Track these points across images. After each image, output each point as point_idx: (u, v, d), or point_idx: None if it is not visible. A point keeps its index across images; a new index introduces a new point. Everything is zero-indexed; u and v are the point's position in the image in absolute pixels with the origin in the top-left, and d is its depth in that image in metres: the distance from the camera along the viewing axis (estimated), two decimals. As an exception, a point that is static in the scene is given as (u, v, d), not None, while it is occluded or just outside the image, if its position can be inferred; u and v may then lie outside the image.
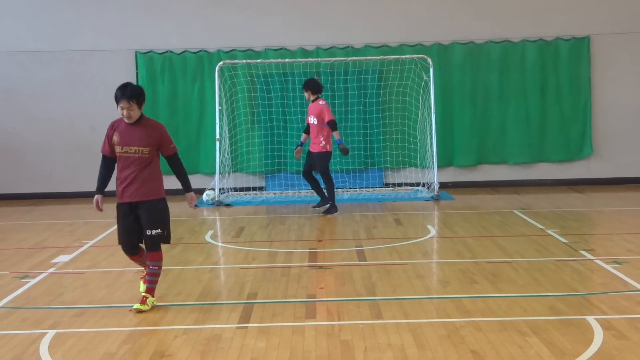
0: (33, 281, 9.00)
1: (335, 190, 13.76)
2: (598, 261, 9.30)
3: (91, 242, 11.40)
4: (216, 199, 14.90)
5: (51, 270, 9.62)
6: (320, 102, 13.38)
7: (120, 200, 7.83)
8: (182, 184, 8.38)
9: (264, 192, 16.30)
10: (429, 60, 15.61)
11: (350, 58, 16.17)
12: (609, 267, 8.95)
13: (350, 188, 16.35)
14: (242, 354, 6.28)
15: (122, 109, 7.83)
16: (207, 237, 11.67)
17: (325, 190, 13.67)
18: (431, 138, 15.55)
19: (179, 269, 9.46)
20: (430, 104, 15.57)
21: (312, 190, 14.32)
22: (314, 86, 13.46)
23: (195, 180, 16.55)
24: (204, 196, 15.21)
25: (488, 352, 6.16)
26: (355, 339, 6.56)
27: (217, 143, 15.31)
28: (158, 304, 7.83)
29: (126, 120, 7.84)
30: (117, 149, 7.91)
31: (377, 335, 6.65)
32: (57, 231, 12.61)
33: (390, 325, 6.92)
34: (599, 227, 12.47)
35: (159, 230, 7.70)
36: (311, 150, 13.49)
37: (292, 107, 16.43)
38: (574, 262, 9.30)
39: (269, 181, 16.63)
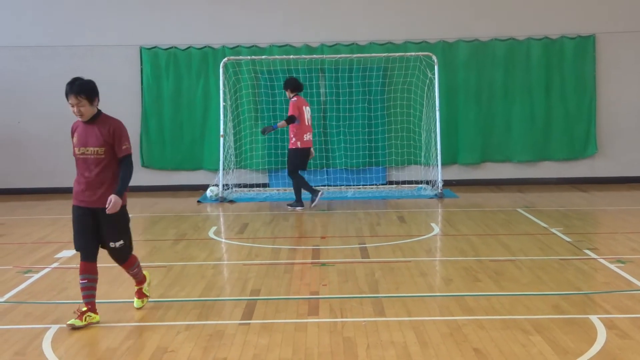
0: (36, 276, 9.01)
1: (302, 188, 13.89)
2: (602, 260, 9.29)
3: (94, 238, 11.38)
4: (220, 195, 14.90)
5: (54, 265, 9.63)
6: (293, 98, 13.64)
7: (75, 204, 7.41)
8: (117, 186, 7.46)
9: (268, 188, 16.31)
10: (434, 57, 15.59)
11: (354, 55, 16.17)
12: (612, 266, 8.94)
13: (353, 185, 16.34)
14: (244, 350, 6.27)
15: (72, 105, 7.51)
16: (211, 233, 11.67)
17: (308, 186, 13.93)
18: (435, 136, 15.54)
19: (182, 265, 9.46)
20: (434, 101, 15.55)
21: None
22: (291, 85, 13.79)
23: (199, 177, 16.76)
24: (208, 192, 15.22)
25: (491, 351, 6.15)
26: (358, 336, 6.56)
27: (221, 139, 15.31)
28: (161, 300, 7.83)
29: (78, 118, 7.50)
30: (76, 150, 7.43)
31: (380, 332, 6.64)
32: (60, 226, 12.62)
33: (393, 322, 6.92)
34: (603, 226, 12.45)
35: (121, 242, 7.40)
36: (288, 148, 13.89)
37: (297, 103, 16.42)
38: (577, 261, 9.28)
39: (272, 178, 16.63)
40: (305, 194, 13.93)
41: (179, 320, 7.16)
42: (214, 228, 12.22)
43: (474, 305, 7.41)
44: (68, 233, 12.01)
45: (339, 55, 16.18)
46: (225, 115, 15.53)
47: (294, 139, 13.70)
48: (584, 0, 16.67)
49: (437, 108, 15.47)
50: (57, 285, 8.64)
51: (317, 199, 13.82)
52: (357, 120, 16.54)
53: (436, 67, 15.53)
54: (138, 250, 10.71)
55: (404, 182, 16.45)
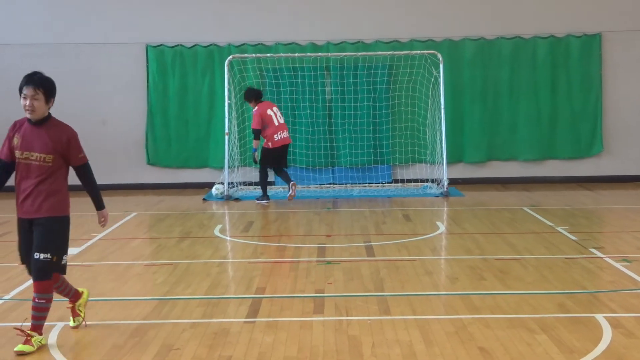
0: (42, 273, 9.00)
1: (268, 185, 14.80)
2: (607, 259, 9.27)
3: (100, 235, 11.42)
4: (225, 193, 14.90)
5: (60, 262, 9.61)
6: (255, 108, 14.25)
7: (19, 215, 6.72)
8: (93, 200, 7.27)
9: (273, 186, 16.30)
10: (439, 56, 15.58)
11: (360, 53, 16.16)
12: (618, 265, 8.92)
13: (359, 184, 16.34)
14: (249, 349, 6.28)
15: (26, 97, 6.80)
16: (216, 231, 11.67)
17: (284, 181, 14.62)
18: (441, 134, 15.52)
19: (187, 263, 9.47)
20: (440, 99, 15.53)
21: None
22: (253, 95, 14.40)
23: (204, 174, 16.76)
24: (213, 190, 15.20)
25: (496, 349, 6.14)
26: (363, 334, 6.55)
27: (226, 137, 15.32)
28: (166, 297, 7.84)
29: (28, 115, 6.78)
30: (17, 153, 6.58)
31: (385, 331, 6.64)
32: (66, 224, 12.62)
33: (398, 321, 6.91)
34: (608, 225, 12.43)
35: (48, 256, 6.44)
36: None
37: (302, 101, 16.44)
38: (583, 260, 9.27)
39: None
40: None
41: (184, 318, 7.17)
42: (219, 226, 12.22)
43: (479, 304, 7.41)
44: (73, 230, 11.96)
45: (344, 54, 16.17)
46: (230, 113, 15.54)
47: (265, 140, 14.32)
48: (590, -2, 16.67)
49: (442, 106, 15.45)
50: (62, 282, 8.63)
51: (261, 202, 14.37)
52: (362, 118, 16.53)
53: (442, 66, 15.51)
54: (144, 248, 10.78)
55: (409, 181, 16.44)
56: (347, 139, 16.54)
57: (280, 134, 14.32)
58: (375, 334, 6.57)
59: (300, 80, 16.41)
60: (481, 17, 16.63)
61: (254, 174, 16.42)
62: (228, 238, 11.34)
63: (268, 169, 14.55)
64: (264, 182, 14.60)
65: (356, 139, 16.52)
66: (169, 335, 6.66)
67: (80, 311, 6.88)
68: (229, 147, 15.32)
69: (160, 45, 16.67)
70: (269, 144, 14.30)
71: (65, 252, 6.64)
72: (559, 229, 11.25)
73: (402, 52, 16.06)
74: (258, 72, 16.47)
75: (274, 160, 14.43)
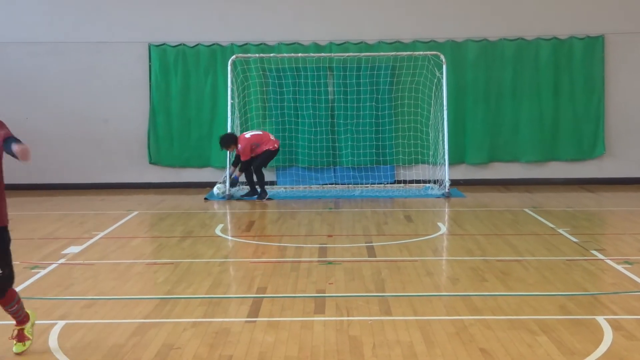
0: (43, 272, 9.03)
1: (261, 183, 15.18)
2: (609, 261, 9.27)
3: (102, 234, 11.43)
4: (226, 193, 14.91)
5: (61, 261, 9.64)
6: (238, 147, 14.76)
7: None
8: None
9: (275, 186, 16.31)
10: (442, 57, 15.57)
11: (363, 54, 16.16)
12: (619, 267, 8.92)
13: (361, 184, 16.34)
14: (250, 348, 6.28)
15: None
16: (217, 231, 11.68)
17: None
18: (443, 135, 15.52)
19: (189, 262, 9.47)
20: (442, 100, 15.53)
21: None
22: (229, 141, 14.83)
23: (206, 174, 16.77)
24: (215, 189, 15.22)
25: (497, 351, 6.14)
26: (364, 335, 6.56)
27: (229, 137, 15.32)
28: (168, 297, 7.85)
29: None
30: None
31: (386, 331, 6.64)
32: (68, 222, 12.65)
33: (399, 321, 6.91)
34: (610, 227, 12.42)
35: (0, 271, 6.08)
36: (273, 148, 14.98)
37: (304, 101, 16.44)
38: (584, 262, 9.26)
39: (279, 176, 16.62)
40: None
41: (185, 317, 7.17)
42: (220, 225, 12.22)
43: (480, 305, 7.41)
44: (75, 229, 12.09)
45: (347, 54, 16.18)
46: (232, 113, 15.55)
47: (265, 147, 14.90)
48: (593, 0, 16.63)
49: (445, 107, 15.45)
50: (64, 281, 8.65)
51: (262, 200, 14.80)
52: (365, 119, 16.52)
53: (444, 67, 15.51)
54: (146, 247, 10.78)
55: (411, 181, 16.43)
56: (349, 139, 16.53)
57: (272, 136, 15.20)
58: (376, 334, 6.57)
59: (303, 80, 16.41)
60: (484, 18, 16.62)
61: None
62: (229, 237, 11.34)
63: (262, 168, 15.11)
64: (262, 181, 14.97)
65: (358, 139, 16.52)
66: (169, 334, 6.66)
67: (30, 334, 6.31)
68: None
69: (163, 44, 16.67)
70: (273, 146, 15.00)
71: (11, 262, 6.25)
72: (561, 230, 11.25)
73: (404, 53, 16.06)
74: (261, 72, 16.47)
75: (269, 161, 15.19)
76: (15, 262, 9.45)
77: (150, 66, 16.71)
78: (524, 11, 16.61)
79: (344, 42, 16.66)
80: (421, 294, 7.89)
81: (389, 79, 16.46)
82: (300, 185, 16.37)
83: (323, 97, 16.50)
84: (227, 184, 15.00)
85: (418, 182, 16.35)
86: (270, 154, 14.96)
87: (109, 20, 16.69)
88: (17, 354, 6.21)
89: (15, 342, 6.24)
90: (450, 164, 15.55)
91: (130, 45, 16.71)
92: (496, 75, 16.62)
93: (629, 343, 6.30)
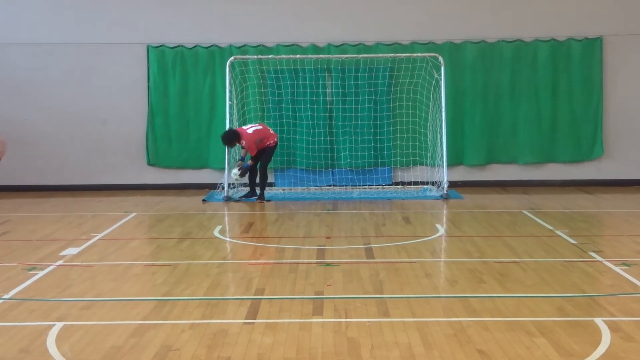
0: (41, 273, 9.02)
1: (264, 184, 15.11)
2: (607, 263, 9.27)
3: (100, 235, 11.43)
4: (237, 178, 14.84)
5: (59, 262, 9.64)
6: (243, 143, 14.59)
7: None
8: None
9: (273, 188, 16.31)
10: (441, 58, 15.59)
11: (361, 55, 16.17)
12: (617, 269, 8.93)
13: (359, 186, 16.34)
14: (248, 350, 6.28)
15: None
16: (216, 232, 11.68)
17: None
18: (441, 137, 15.53)
19: (187, 264, 9.47)
20: (441, 102, 15.54)
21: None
22: (232, 137, 14.68)
23: (204, 175, 16.77)
24: (232, 175, 14.84)
25: (495, 352, 6.15)
26: (362, 336, 6.56)
27: (227, 138, 15.32)
28: (165, 298, 7.84)
29: None
30: None
31: (384, 333, 6.64)
32: (66, 224, 12.65)
33: (397, 323, 6.92)
34: (608, 229, 12.43)
35: None
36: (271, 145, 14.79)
37: (303, 103, 16.44)
38: (582, 263, 9.27)
39: (277, 177, 16.62)
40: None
41: (183, 318, 7.17)
42: (219, 227, 12.22)
43: (478, 307, 7.41)
44: (73, 230, 12.09)
45: (345, 56, 16.19)
46: (231, 115, 15.55)
47: (267, 141, 14.78)
48: (592, 2, 16.65)
49: (443, 109, 15.46)
50: (61, 282, 8.64)
51: (262, 201, 14.70)
52: (363, 120, 16.53)
53: (443, 68, 15.52)
54: (144, 249, 10.79)
55: (409, 183, 16.44)
56: (347, 140, 16.53)
57: (271, 130, 15.11)
58: (374, 336, 6.57)
59: (302, 81, 16.42)
60: (482, 20, 16.63)
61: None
62: (228, 239, 11.34)
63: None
64: (265, 183, 14.93)
65: (356, 141, 16.52)
66: (168, 335, 6.66)
67: None
68: (229, 149, 15.32)
69: (161, 45, 16.67)
70: (274, 141, 14.88)
71: None
72: (559, 232, 11.26)
73: (403, 55, 16.07)
74: (259, 74, 16.47)
75: (271, 157, 15.08)
76: (13, 264, 9.52)
77: (148, 67, 16.70)
78: (522, 13, 16.62)
79: (342, 44, 16.66)
80: (419, 296, 7.89)
81: (387, 80, 16.46)
82: (299, 187, 16.37)
83: (321, 98, 16.50)
84: (231, 174, 14.84)
85: (416, 183, 16.35)
86: (271, 151, 14.85)
87: (108, 22, 16.68)
88: None
89: None
90: (448, 165, 15.56)
91: (128, 47, 16.71)
92: (494, 77, 16.63)
93: (626, 345, 6.30)
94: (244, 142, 14.54)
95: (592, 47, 16.55)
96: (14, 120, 16.68)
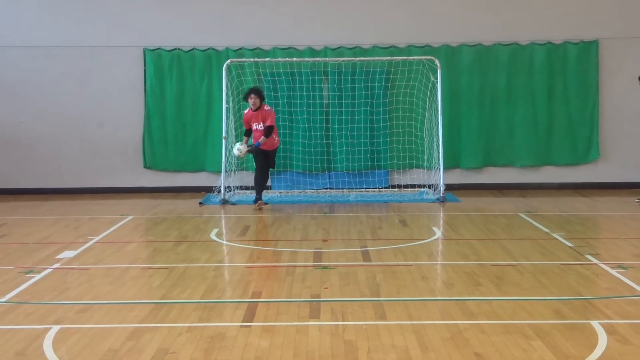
0: (38, 276, 9.02)
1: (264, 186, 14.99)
2: (603, 266, 9.29)
3: (96, 238, 11.42)
4: (244, 152, 14.47)
5: (56, 265, 9.63)
6: (266, 107, 14.35)
7: None
8: None
9: (270, 191, 16.30)
10: (437, 61, 15.60)
11: (358, 58, 16.18)
12: (614, 272, 8.94)
13: (355, 189, 16.35)
14: (245, 353, 6.28)
15: None
16: (212, 235, 11.68)
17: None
18: (437, 139, 15.54)
19: (184, 267, 9.47)
20: (437, 105, 15.56)
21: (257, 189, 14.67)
22: (262, 95, 14.50)
23: (201, 178, 16.79)
24: (235, 150, 14.54)
25: (492, 355, 6.15)
26: (359, 339, 6.56)
27: (224, 141, 15.33)
28: (162, 301, 7.84)
29: None
30: None
31: (381, 336, 6.65)
32: (63, 227, 12.64)
33: (394, 326, 6.92)
34: (604, 232, 12.45)
35: None
36: (267, 148, 14.41)
37: (299, 106, 16.45)
38: (579, 266, 9.28)
39: (274, 180, 16.61)
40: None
41: (180, 321, 7.17)
42: (215, 230, 12.22)
43: (475, 310, 7.41)
44: (70, 233, 12.08)
45: (342, 59, 16.20)
46: (227, 117, 15.55)
47: (277, 139, 14.69)
48: (588, 5, 16.68)
49: (439, 112, 15.48)
50: (58, 285, 8.64)
51: (260, 206, 14.41)
52: (359, 123, 16.53)
53: (439, 71, 15.54)
54: (141, 252, 10.78)
55: (406, 186, 16.44)
56: (344, 143, 16.54)
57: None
58: (371, 338, 6.58)
59: (298, 84, 16.42)
60: (479, 23, 16.65)
61: (250, 178, 16.43)
62: (224, 242, 11.34)
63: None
64: (264, 185, 14.92)
65: (353, 144, 16.53)
66: (164, 339, 6.66)
67: None
68: (226, 151, 15.33)
69: (158, 48, 16.67)
70: (278, 139, 14.83)
71: None
72: (555, 235, 11.27)
73: (399, 58, 16.09)
74: (256, 77, 16.47)
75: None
76: (10, 267, 9.51)
77: (145, 70, 16.70)
78: (519, 16, 16.65)
79: (339, 47, 16.67)
80: (416, 299, 7.89)
81: (383, 83, 16.48)
82: (295, 190, 16.37)
83: (318, 101, 16.51)
84: (234, 149, 14.63)
85: (413, 186, 16.36)
86: (275, 151, 14.77)
87: (105, 25, 16.68)
88: None
89: None
90: (444, 168, 15.57)
91: (125, 50, 16.70)
92: (491, 80, 16.65)
93: (623, 347, 6.31)
94: (271, 119, 14.29)
95: (588, 51, 16.58)
96: (11, 123, 16.67)
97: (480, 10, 16.68)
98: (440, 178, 15.36)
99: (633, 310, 7.41)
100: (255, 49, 16.65)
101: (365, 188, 16.41)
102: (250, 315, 7.31)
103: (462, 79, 16.63)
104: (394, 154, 16.53)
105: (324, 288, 8.33)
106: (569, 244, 10.57)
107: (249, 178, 16.39)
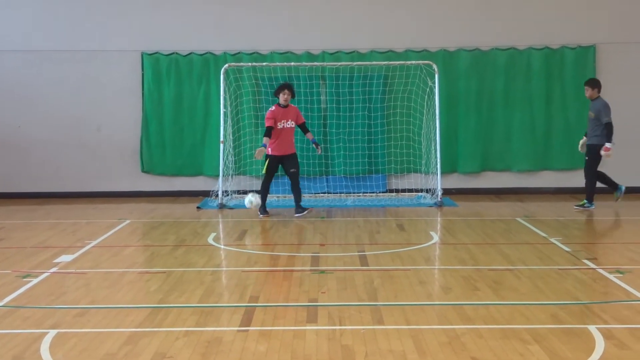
0: (35, 280, 9.01)
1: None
2: (601, 270, 9.29)
3: (94, 242, 11.41)
4: (252, 201, 13.65)
5: (53, 269, 9.62)
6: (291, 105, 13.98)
7: None
8: None
9: (268, 195, 16.26)
10: (435, 66, 15.61)
11: (355, 63, 16.19)
12: (611, 277, 8.94)
13: (353, 193, 16.35)
14: (243, 357, 6.28)
15: None
16: (210, 240, 11.67)
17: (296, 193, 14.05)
18: (435, 144, 15.55)
19: (181, 271, 9.46)
20: (435, 110, 15.57)
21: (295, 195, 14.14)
22: (294, 89, 14.06)
23: (198, 182, 16.78)
24: (247, 203, 13.69)
25: (489, 360, 6.16)
26: (357, 344, 6.56)
27: (221, 145, 15.33)
28: (160, 305, 7.84)
29: None
30: None
31: (379, 340, 6.65)
32: (60, 231, 12.63)
33: (391, 330, 6.92)
34: (602, 236, 12.45)
35: None
36: (291, 152, 13.92)
37: (297, 110, 16.44)
38: (576, 271, 9.28)
39: (272, 184, 16.55)
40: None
41: (177, 326, 7.16)
42: (213, 234, 12.22)
43: (472, 314, 7.41)
44: (67, 237, 12.07)
45: (340, 63, 16.21)
46: (225, 122, 15.55)
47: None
48: (585, 10, 16.70)
49: (437, 116, 15.48)
50: (55, 289, 8.63)
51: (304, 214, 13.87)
52: (357, 127, 16.54)
53: (437, 76, 15.55)
54: (138, 256, 10.77)
55: (403, 190, 16.45)
56: (341, 148, 16.55)
57: None
58: (369, 343, 6.58)
59: (296, 89, 16.41)
60: (476, 28, 16.67)
61: (248, 183, 16.45)
62: (222, 246, 11.34)
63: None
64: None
65: (351, 148, 16.54)
66: (162, 343, 6.66)
67: None
68: (223, 156, 15.33)
69: (156, 53, 16.67)
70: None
71: None
72: (553, 239, 11.27)
73: (397, 62, 16.10)
74: (254, 81, 16.48)
75: None
76: (7, 271, 9.50)
77: (143, 74, 16.71)
78: (516, 21, 16.66)
79: (337, 51, 16.69)
80: (413, 303, 7.89)
81: (381, 88, 16.49)
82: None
83: (315, 106, 16.51)
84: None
85: (410, 191, 16.37)
86: (290, 158, 14.10)
87: (102, 29, 16.68)
88: None
89: None
90: (442, 173, 15.58)
91: (123, 54, 16.71)
92: (488, 85, 16.67)
93: (620, 352, 6.31)
94: (299, 118, 13.95)
95: (586, 55, 16.61)
96: (8, 127, 16.67)
97: (477, 15, 16.70)
98: (438, 182, 15.37)
99: (630, 314, 7.41)
100: (253, 53, 16.66)
101: (363, 192, 16.41)
102: (247, 320, 7.30)
103: (460, 83, 16.64)
104: (392, 158, 16.54)
105: (322, 292, 8.33)
106: (567, 249, 10.57)
107: (246, 183, 16.40)
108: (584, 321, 7.22)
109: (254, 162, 16.52)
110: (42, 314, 7.59)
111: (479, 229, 12.41)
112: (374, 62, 16.21)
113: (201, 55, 16.66)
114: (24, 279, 9.06)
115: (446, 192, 15.77)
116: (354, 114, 16.53)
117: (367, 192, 16.43)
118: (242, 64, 16.21)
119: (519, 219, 13.28)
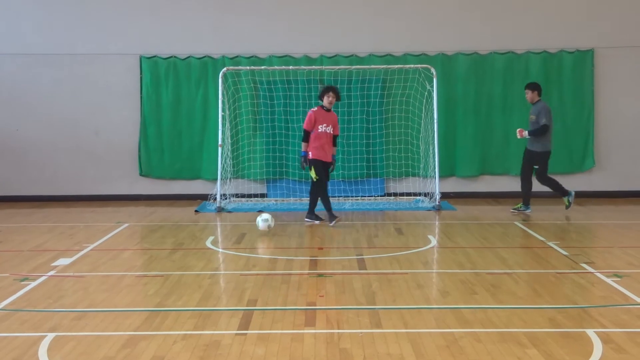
0: (33, 284, 9.01)
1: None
2: (598, 274, 9.30)
3: (92, 246, 11.41)
4: (271, 225, 12.55)
5: (51, 273, 9.62)
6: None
7: None
8: None
9: (266, 198, 16.31)
10: (433, 70, 15.63)
11: (354, 67, 16.21)
12: (609, 280, 8.95)
13: (351, 197, 16.35)
14: (241, 361, 6.28)
15: None
16: (208, 243, 11.67)
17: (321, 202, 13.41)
18: (433, 148, 15.57)
19: (179, 274, 9.46)
20: (433, 113, 15.58)
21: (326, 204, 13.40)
22: (339, 93, 13.42)
23: (197, 186, 16.78)
24: (261, 223, 12.49)
25: (487, 363, 6.16)
26: (354, 347, 6.56)
27: (220, 149, 15.34)
28: (158, 309, 7.83)
29: None
30: None
31: (377, 344, 6.65)
32: (58, 234, 12.62)
33: (389, 334, 6.92)
34: (600, 240, 12.46)
35: None
36: (328, 160, 13.35)
37: (295, 114, 16.46)
38: (574, 275, 9.29)
39: (270, 188, 16.63)
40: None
41: (175, 329, 7.16)
42: (211, 238, 12.21)
43: (470, 318, 7.42)
44: (65, 241, 12.06)
45: (338, 67, 16.22)
46: (224, 125, 15.56)
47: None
48: (583, 14, 16.73)
49: (435, 120, 15.50)
50: (53, 293, 8.63)
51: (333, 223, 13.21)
52: (355, 131, 16.56)
53: (435, 80, 15.57)
54: (136, 259, 10.77)
55: (402, 194, 16.46)
56: (340, 151, 16.54)
57: None
58: (367, 346, 6.58)
59: (294, 92, 16.44)
60: (475, 32, 16.69)
61: (246, 186, 16.46)
62: (220, 250, 11.34)
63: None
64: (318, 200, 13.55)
65: (349, 152, 16.56)
66: (160, 346, 6.65)
67: None
68: (222, 159, 15.34)
69: (154, 56, 16.69)
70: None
71: None
72: (551, 243, 11.28)
73: (395, 66, 16.12)
74: (252, 84, 16.49)
75: None
76: (5, 274, 9.50)
77: (141, 78, 16.72)
78: (514, 25, 16.69)
79: (335, 55, 16.70)
80: (411, 307, 7.90)
81: (379, 91, 16.51)
82: (291, 198, 16.37)
83: (314, 109, 16.51)
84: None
85: (408, 194, 16.37)
86: (324, 166, 13.44)
87: (101, 32, 16.70)
88: None
89: None
90: (440, 176, 15.60)
91: (121, 57, 16.72)
92: (486, 89, 16.69)
93: (618, 356, 6.32)
94: (336, 129, 13.31)
95: (584, 59, 16.63)
96: (6, 130, 16.67)
97: (476, 19, 16.72)
98: (436, 186, 15.38)
99: (628, 318, 7.42)
100: (252, 57, 16.67)
101: (361, 196, 16.42)
102: (245, 323, 7.30)
103: (458, 87, 16.67)
104: (390, 162, 16.55)
105: (320, 296, 8.33)
106: (564, 253, 10.58)
107: (244, 186, 16.41)
108: (581, 325, 7.22)
109: (251, 165, 16.57)
110: (40, 318, 7.59)
111: (477, 233, 12.42)
112: (373, 66, 16.23)
113: (199, 58, 16.67)
114: (22, 282, 9.06)
115: (444, 195, 15.79)
116: (352, 117, 16.54)
117: (365, 196, 16.44)
118: (240, 67, 16.22)
119: (516, 223, 13.29)
